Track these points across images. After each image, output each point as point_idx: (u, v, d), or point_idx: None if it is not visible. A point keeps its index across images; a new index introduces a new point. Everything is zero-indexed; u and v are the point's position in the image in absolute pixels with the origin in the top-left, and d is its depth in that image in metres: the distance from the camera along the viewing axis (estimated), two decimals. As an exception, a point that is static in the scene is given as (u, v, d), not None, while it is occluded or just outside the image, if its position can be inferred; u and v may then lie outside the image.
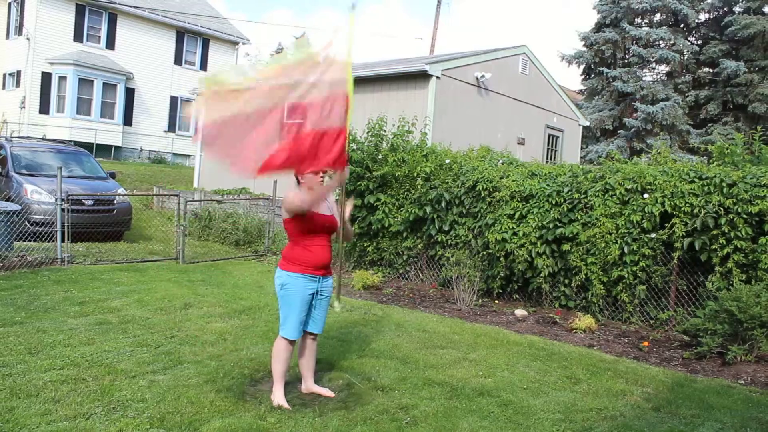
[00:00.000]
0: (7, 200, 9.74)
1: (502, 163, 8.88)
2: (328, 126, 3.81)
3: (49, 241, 9.21)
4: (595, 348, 6.13)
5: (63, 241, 8.98)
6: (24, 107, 23.47)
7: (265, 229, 11.57)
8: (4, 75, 25.34)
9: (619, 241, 7.06)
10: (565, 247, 7.42)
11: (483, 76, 14.47)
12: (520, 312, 7.44)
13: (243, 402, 4.09)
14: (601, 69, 25.94)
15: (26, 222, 9.63)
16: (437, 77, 13.17)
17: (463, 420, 4.00)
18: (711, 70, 24.96)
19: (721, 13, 25.13)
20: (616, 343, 6.39)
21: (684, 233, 6.64)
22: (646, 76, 26.15)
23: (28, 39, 23.28)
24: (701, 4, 25.34)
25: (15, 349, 4.87)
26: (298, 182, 4.15)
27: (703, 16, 25.98)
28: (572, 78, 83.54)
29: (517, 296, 8.17)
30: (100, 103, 24.28)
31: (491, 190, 8.28)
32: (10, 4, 25.04)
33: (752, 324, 5.50)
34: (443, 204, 8.70)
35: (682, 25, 25.80)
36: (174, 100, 27.06)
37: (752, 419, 4.29)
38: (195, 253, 10.70)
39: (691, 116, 24.89)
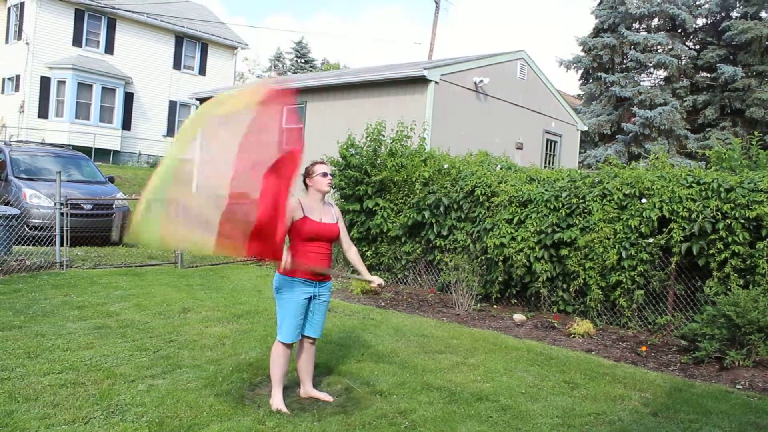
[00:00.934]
0: (6, 204, 9.73)
1: (501, 168, 8.90)
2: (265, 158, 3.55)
3: (47, 246, 9.21)
4: (593, 353, 6.14)
5: (62, 245, 8.98)
6: (23, 111, 23.48)
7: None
8: (3, 79, 25.36)
9: (617, 246, 7.07)
10: (564, 251, 7.43)
11: (481, 81, 14.50)
12: (518, 317, 7.45)
13: (242, 406, 4.09)
14: (599, 74, 26.02)
15: (25, 226, 9.64)
16: (436, 82, 13.19)
17: (461, 425, 4.01)
18: (709, 75, 25.04)
19: (718, 18, 25.23)
20: (614, 347, 6.40)
21: (682, 238, 6.65)
22: (644, 80, 26.25)
23: (27, 43, 23.30)
24: (699, 9, 25.45)
25: (14, 353, 4.87)
26: (306, 187, 4.19)
27: (700, 21, 26.09)
28: (570, 83, 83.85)
29: (516, 301, 8.18)
30: (98, 107, 24.30)
31: (489, 195, 8.30)
32: (9, 8, 25.07)
33: (750, 329, 5.52)
34: (442, 209, 8.72)
35: (679, 30, 25.90)
36: (173, 105, 27.08)
37: (750, 424, 4.29)
38: (193, 258, 10.69)
39: (688, 121, 24.96)
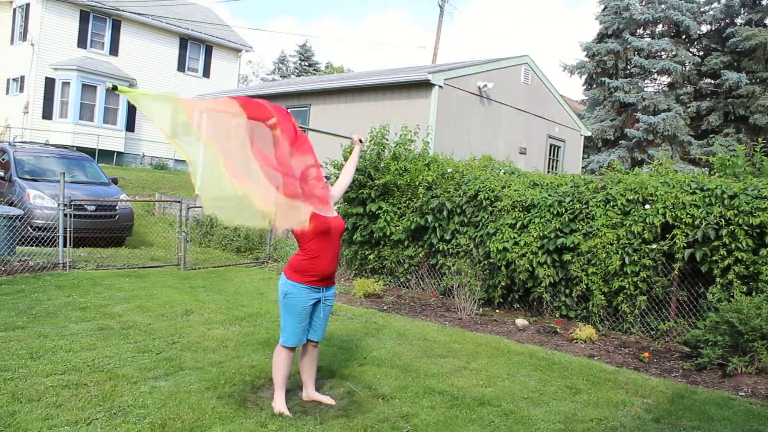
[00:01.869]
0: (9, 205, 9.77)
1: (504, 173, 8.90)
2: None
3: (51, 246, 9.24)
4: (595, 358, 6.14)
5: (65, 246, 9.00)
6: (27, 112, 23.56)
7: (267, 237, 11.59)
8: (8, 80, 25.45)
9: (620, 252, 7.06)
10: (566, 257, 7.43)
11: (485, 86, 14.52)
12: (520, 321, 7.45)
13: (244, 409, 4.09)
14: (602, 79, 26.01)
15: (29, 227, 9.66)
16: (440, 86, 13.21)
17: (463, 429, 4.01)
18: (712, 82, 25.03)
19: (722, 24, 25.22)
20: (616, 353, 6.39)
21: (685, 244, 6.65)
22: (647, 86, 26.22)
23: (32, 44, 23.39)
24: (703, 15, 25.45)
25: (17, 354, 4.88)
26: None
27: (704, 28, 26.08)
28: (574, 88, 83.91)
29: (518, 306, 8.17)
30: (103, 108, 24.36)
31: (493, 199, 8.30)
32: (15, 10, 25.17)
33: (753, 336, 5.50)
34: (445, 213, 8.72)
35: (683, 37, 25.90)
36: (177, 107, 27.08)
37: (752, 431, 4.29)
38: (196, 260, 10.72)
39: (692, 127, 24.94)
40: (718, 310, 5.99)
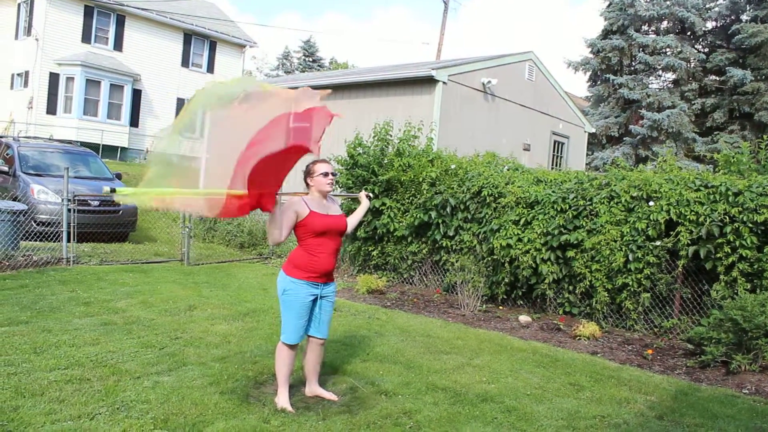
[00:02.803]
0: (13, 200, 9.77)
1: (508, 169, 8.88)
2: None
3: (54, 241, 9.25)
4: (598, 355, 6.13)
5: (69, 241, 9.02)
6: (31, 107, 23.56)
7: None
8: (13, 75, 25.46)
9: (623, 249, 7.05)
10: (570, 253, 7.41)
11: (489, 82, 14.48)
12: (524, 318, 7.44)
13: (247, 404, 4.10)
14: (607, 76, 25.95)
15: (32, 222, 9.68)
16: (444, 82, 13.18)
17: (466, 425, 4.00)
18: (717, 78, 24.94)
19: (728, 21, 25.12)
20: (620, 350, 6.38)
21: (689, 241, 6.63)
22: (652, 83, 26.14)
23: (36, 39, 23.38)
24: (708, 12, 25.34)
25: (20, 348, 4.89)
26: (307, 185, 4.18)
27: (710, 24, 25.98)
28: (578, 85, 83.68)
29: (522, 302, 8.16)
30: (107, 104, 24.35)
31: (496, 195, 8.29)
32: (19, 4, 25.18)
33: (757, 333, 5.49)
34: (448, 209, 8.71)
35: (688, 33, 25.80)
36: (180, 102, 27.11)
37: (756, 429, 4.28)
38: (200, 255, 10.73)
39: (697, 124, 24.87)
40: (722, 307, 5.98)
